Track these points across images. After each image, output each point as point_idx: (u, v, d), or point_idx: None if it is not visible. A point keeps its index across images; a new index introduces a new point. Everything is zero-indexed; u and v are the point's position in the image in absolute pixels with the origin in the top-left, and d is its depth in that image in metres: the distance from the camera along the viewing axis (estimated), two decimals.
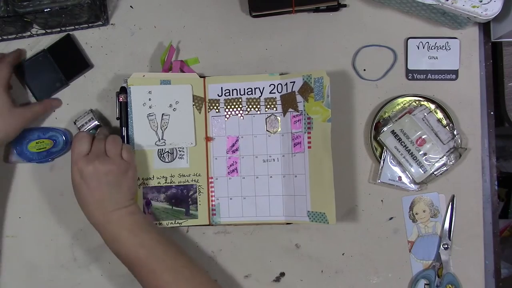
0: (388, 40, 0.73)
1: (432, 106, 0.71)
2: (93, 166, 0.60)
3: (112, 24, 0.75)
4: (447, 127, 0.70)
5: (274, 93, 0.71)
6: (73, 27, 0.73)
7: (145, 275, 0.60)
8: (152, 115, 0.70)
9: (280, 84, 0.71)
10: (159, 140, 0.70)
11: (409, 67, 0.72)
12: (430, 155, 0.68)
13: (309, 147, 0.67)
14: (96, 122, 0.70)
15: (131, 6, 0.75)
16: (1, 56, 0.69)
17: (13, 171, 0.73)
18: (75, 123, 0.71)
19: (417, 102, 0.71)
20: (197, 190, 0.70)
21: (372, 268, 0.71)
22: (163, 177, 0.70)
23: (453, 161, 0.68)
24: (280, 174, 0.70)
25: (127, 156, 0.64)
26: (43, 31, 0.73)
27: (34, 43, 0.74)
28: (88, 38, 0.74)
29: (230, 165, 0.71)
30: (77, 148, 0.62)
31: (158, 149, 0.70)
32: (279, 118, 0.71)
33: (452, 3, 0.64)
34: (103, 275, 0.72)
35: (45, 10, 0.65)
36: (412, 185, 0.70)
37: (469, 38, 0.73)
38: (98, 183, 0.60)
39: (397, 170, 0.70)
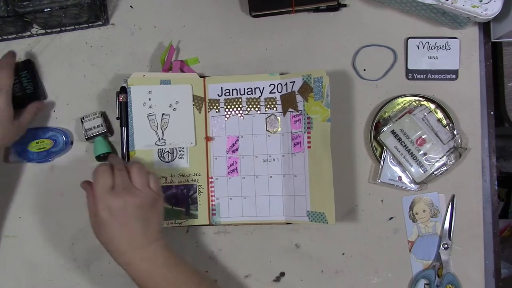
0: (388, 40, 0.73)
1: (432, 106, 0.71)
2: (123, 199, 0.55)
3: (112, 24, 0.75)
4: (447, 127, 0.70)
5: (274, 93, 0.71)
6: (73, 27, 0.73)
7: None
8: (152, 115, 0.70)
9: (280, 84, 0.71)
10: (159, 140, 0.70)
11: (409, 67, 0.72)
12: (430, 155, 0.68)
13: (308, 147, 0.67)
14: (105, 130, 0.70)
15: (131, 6, 0.75)
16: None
17: (13, 171, 0.73)
18: (82, 122, 0.70)
19: (417, 102, 0.71)
20: (197, 190, 0.70)
21: (372, 268, 0.71)
22: (163, 177, 0.70)
23: (453, 161, 0.68)
24: (280, 174, 0.70)
25: (155, 186, 0.60)
26: (43, 31, 0.73)
27: (34, 43, 0.74)
28: (88, 38, 0.74)
29: (230, 165, 0.71)
30: (101, 183, 0.56)
31: (158, 149, 0.70)
32: (279, 118, 0.71)
33: (452, 3, 0.64)
34: (103, 275, 0.72)
35: (45, 10, 0.65)
36: (412, 185, 0.70)
37: (469, 38, 0.73)
38: (129, 218, 0.56)
39: (397, 170, 0.70)
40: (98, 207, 0.56)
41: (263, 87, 0.71)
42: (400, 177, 0.70)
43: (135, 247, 0.56)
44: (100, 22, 0.74)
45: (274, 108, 0.71)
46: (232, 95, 0.71)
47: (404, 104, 0.72)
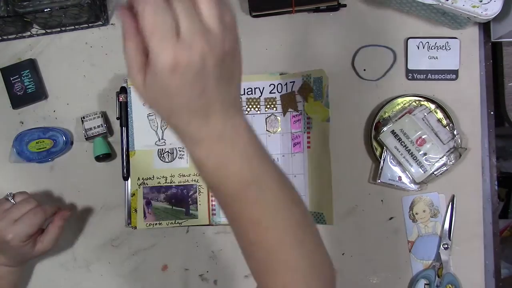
0: (388, 40, 0.73)
1: (432, 106, 0.71)
2: (199, 52, 0.34)
3: (112, 24, 0.75)
4: (447, 127, 0.70)
5: (274, 93, 0.71)
6: (73, 27, 0.73)
7: (246, 224, 0.41)
8: (152, 115, 0.70)
9: (280, 84, 0.71)
10: (159, 140, 0.70)
11: (409, 67, 0.72)
12: (430, 155, 0.68)
13: (308, 147, 0.67)
14: (105, 131, 0.70)
15: None
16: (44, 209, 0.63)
17: (13, 171, 0.73)
18: (82, 122, 0.71)
19: (417, 102, 0.71)
20: (197, 190, 0.70)
21: (372, 268, 0.71)
22: (163, 177, 0.70)
23: (453, 161, 0.68)
24: None
25: (231, 20, 0.38)
26: (43, 31, 0.73)
27: (34, 43, 0.74)
28: (88, 38, 0.74)
29: None
30: (156, 24, 0.32)
31: (158, 149, 0.70)
32: (279, 118, 0.71)
33: (452, 3, 0.64)
34: (103, 275, 0.72)
35: (45, 10, 0.65)
36: (412, 185, 0.70)
37: (469, 38, 0.73)
38: (207, 80, 0.36)
39: (397, 170, 0.70)
40: (158, 63, 0.33)
41: (263, 87, 0.71)
42: (400, 177, 0.70)
43: (211, 120, 0.38)
44: (100, 22, 0.74)
45: (274, 108, 0.71)
46: None
47: (404, 104, 0.72)
